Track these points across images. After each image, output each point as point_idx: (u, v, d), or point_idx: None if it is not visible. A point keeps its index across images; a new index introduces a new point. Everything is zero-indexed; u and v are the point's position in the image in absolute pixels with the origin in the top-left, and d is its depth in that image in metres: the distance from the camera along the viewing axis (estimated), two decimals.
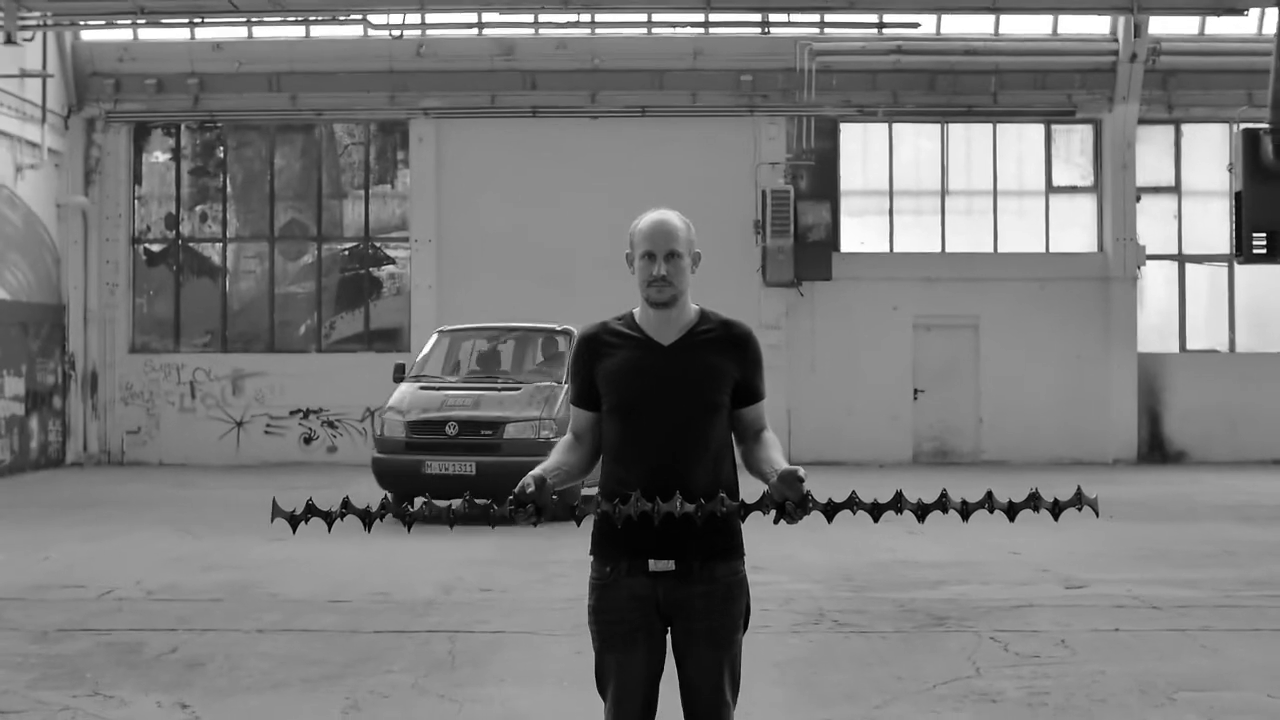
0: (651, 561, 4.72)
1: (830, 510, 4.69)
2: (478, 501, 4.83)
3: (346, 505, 4.72)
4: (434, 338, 19.48)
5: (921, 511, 4.82)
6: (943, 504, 4.78)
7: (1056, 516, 4.91)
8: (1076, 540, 15.14)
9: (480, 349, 19.45)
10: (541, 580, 12.39)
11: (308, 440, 26.32)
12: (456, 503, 4.85)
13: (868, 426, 26.14)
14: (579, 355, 4.91)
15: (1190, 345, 27.04)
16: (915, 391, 26.42)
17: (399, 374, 18.60)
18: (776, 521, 4.63)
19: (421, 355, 19.14)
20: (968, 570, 13.02)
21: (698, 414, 4.79)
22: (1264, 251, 18.67)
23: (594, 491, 4.86)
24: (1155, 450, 26.61)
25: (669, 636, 4.84)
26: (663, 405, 4.77)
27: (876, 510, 4.80)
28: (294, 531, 4.76)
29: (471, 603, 11.34)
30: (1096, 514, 4.86)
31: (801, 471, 4.56)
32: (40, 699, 8.06)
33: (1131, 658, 9.21)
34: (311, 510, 4.71)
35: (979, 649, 9.47)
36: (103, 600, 11.39)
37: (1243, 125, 19.78)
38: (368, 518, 4.81)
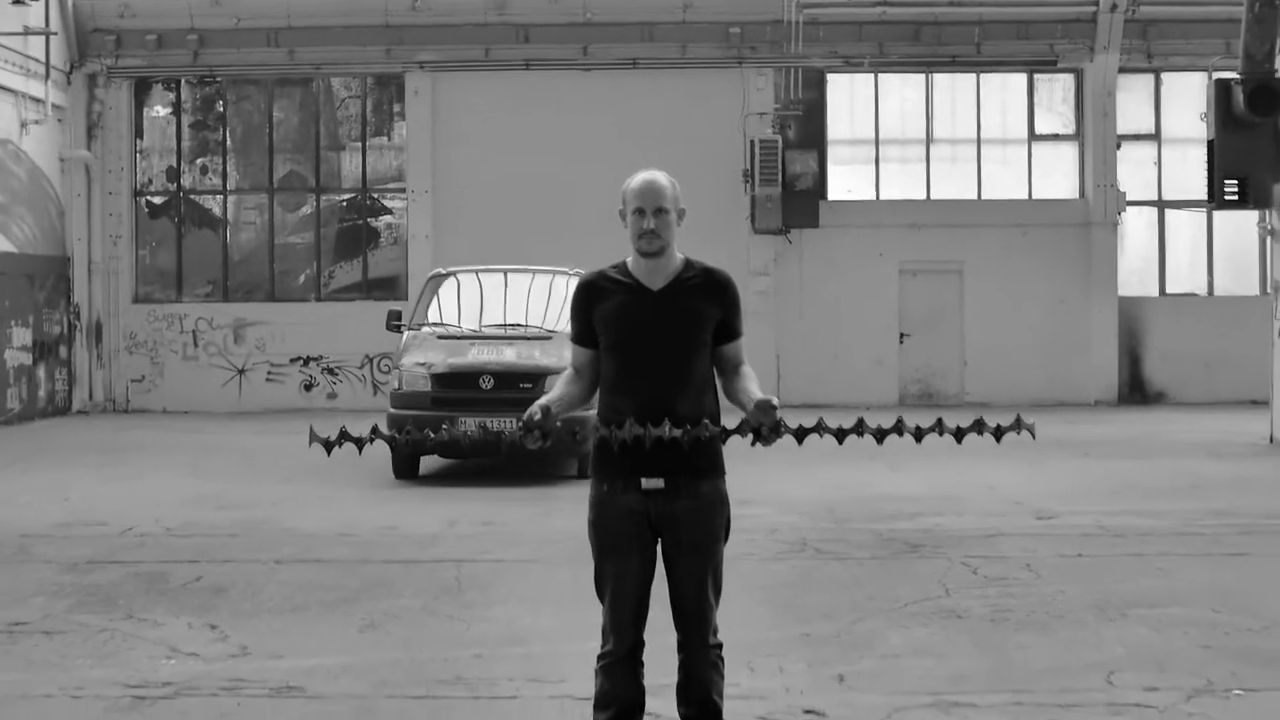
0: (643, 480, 5.39)
1: (800, 434, 5.39)
2: (490, 429, 5.49)
3: (375, 431, 5.34)
4: (437, 282, 17.92)
5: (880, 435, 5.51)
6: (899, 428, 5.47)
7: (999, 439, 5.55)
8: (1051, 476, 15.87)
9: (488, 295, 17.74)
10: (541, 515, 13.06)
11: (308, 387, 26.93)
12: (472, 428, 5.48)
13: (854, 370, 26.79)
14: (579, 299, 5.57)
15: (1170, 289, 27.66)
16: (901, 335, 27.06)
17: (395, 322, 17.48)
18: (754, 444, 5.31)
19: (419, 301, 17.83)
20: (944, 503, 13.68)
21: (683, 350, 5.46)
22: (1235, 198, 19.24)
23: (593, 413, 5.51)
24: (1135, 391, 27.29)
25: (659, 547, 5.52)
26: (653, 343, 5.43)
27: (841, 434, 5.50)
28: (329, 454, 5.36)
29: (474, 535, 12.02)
30: (1033, 436, 5.49)
31: (774, 400, 5.24)
32: (80, 622, 8.73)
33: (1091, 580, 9.89)
34: (344, 436, 5.33)
35: (949, 573, 10.15)
36: (125, 536, 12.05)
37: (1216, 75, 20.30)
38: (394, 442, 5.46)
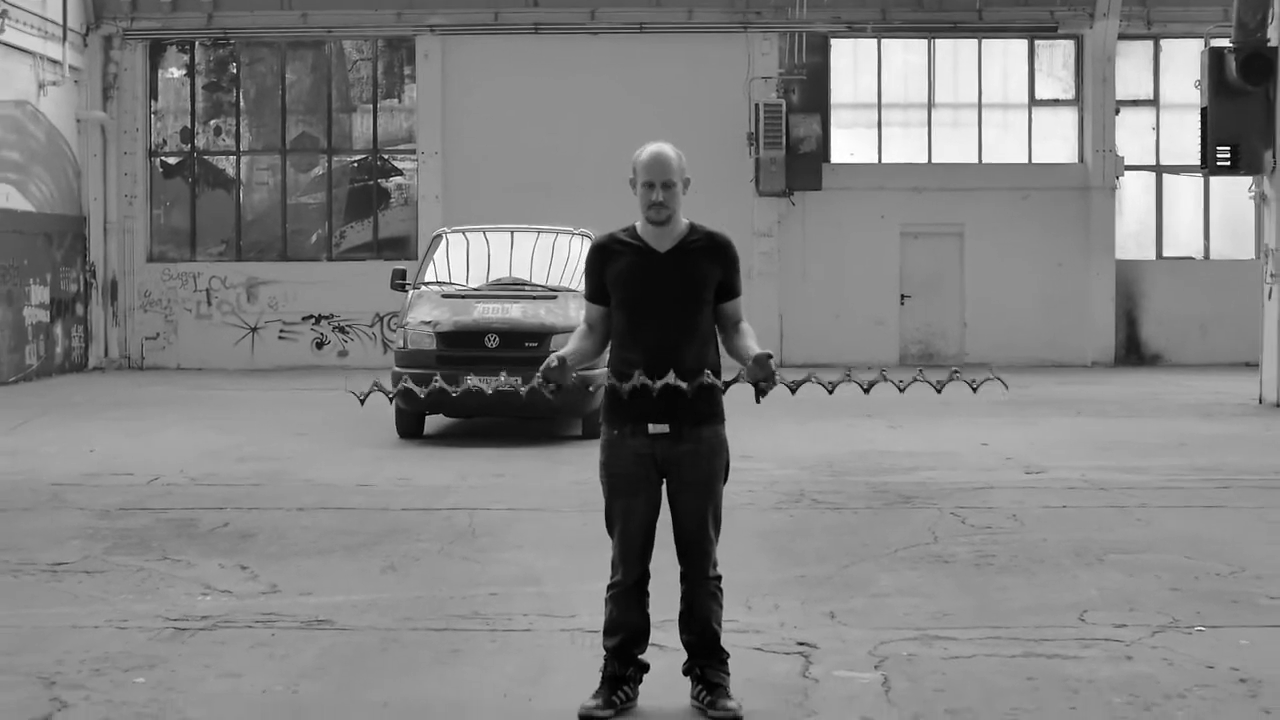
0: (650, 425, 5.94)
1: (794, 386, 5.94)
2: (505, 388, 6.05)
3: (402, 385, 5.94)
4: (443, 241, 17.97)
5: (867, 386, 6.06)
6: (883, 377, 6.02)
7: (975, 390, 6.09)
8: (1043, 433, 16.40)
9: (494, 254, 17.67)
10: (549, 466, 13.59)
11: (319, 345, 27.45)
12: (491, 387, 6.02)
13: (856, 330, 27.28)
14: (592, 260, 6.11)
15: (1166, 252, 28.16)
16: (902, 297, 27.55)
17: (399, 280, 17.28)
18: (758, 400, 5.87)
19: (425, 260, 17.82)
20: (938, 459, 14.20)
21: (687, 307, 6.01)
22: (1227, 163, 19.72)
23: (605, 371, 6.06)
24: (1131, 353, 27.79)
25: (664, 487, 6.06)
26: (659, 301, 5.98)
27: (832, 386, 6.06)
28: (361, 404, 5.92)
29: (486, 486, 12.55)
30: (1005, 386, 6.03)
31: (770, 354, 5.79)
32: (118, 562, 9.27)
33: (1073, 529, 10.42)
34: (376, 387, 5.92)
35: (939, 522, 10.68)
36: (152, 485, 12.59)
37: (1212, 42, 20.71)
38: (411, 395, 6.07)
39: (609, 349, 6.16)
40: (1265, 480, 12.81)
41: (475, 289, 16.87)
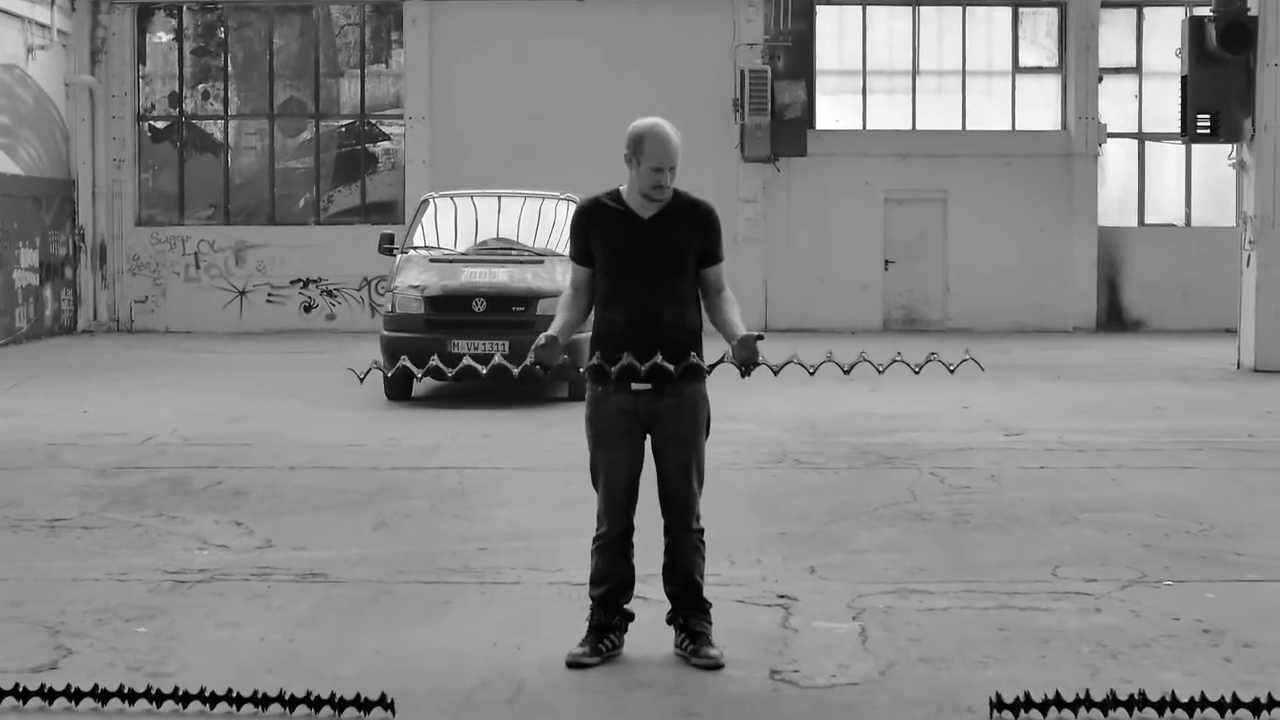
0: (633, 382, 6.14)
1: (777, 369, 6.17)
2: (499, 364, 6.30)
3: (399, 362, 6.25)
4: (430, 205, 18.23)
5: (848, 368, 6.29)
6: (863, 358, 6.27)
7: (951, 371, 6.37)
8: (1023, 397, 16.64)
9: (481, 219, 17.95)
10: (536, 428, 13.82)
11: (307, 309, 27.61)
12: (486, 368, 6.27)
13: (840, 295, 27.49)
14: (578, 222, 6.31)
15: (1148, 219, 28.39)
16: (886, 262, 27.75)
17: (387, 245, 17.41)
18: (743, 376, 6.15)
19: (413, 225, 17.99)
20: (920, 421, 14.44)
21: (669, 272, 6.24)
22: (1207, 131, 19.94)
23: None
24: (1113, 319, 28.04)
25: (647, 443, 6.29)
26: (642, 265, 6.20)
27: (813, 369, 6.30)
28: (361, 382, 6.21)
29: (474, 446, 12.77)
30: (981, 369, 6.31)
31: (755, 334, 6.01)
32: (115, 518, 9.49)
33: (1049, 488, 10.67)
34: (376, 366, 6.22)
35: (918, 482, 10.93)
36: (146, 445, 12.79)
37: (1193, 11, 20.90)
38: (409, 372, 6.35)
39: (594, 310, 6.37)
40: (1237, 442, 13.07)
41: (463, 254, 17.06)
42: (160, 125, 28.13)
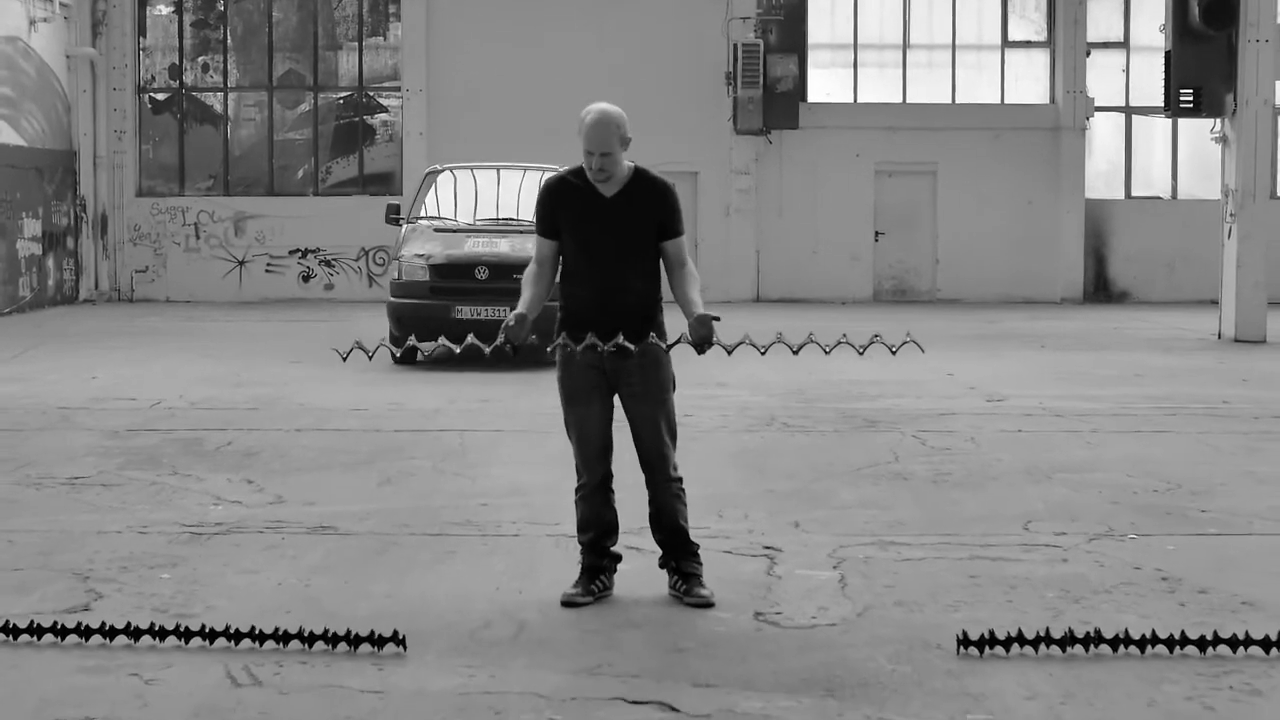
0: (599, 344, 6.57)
1: (730, 349, 6.57)
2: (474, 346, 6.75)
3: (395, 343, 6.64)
4: (434, 177, 18.86)
5: (797, 349, 6.68)
6: (810, 339, 6.67)
7: (894, 353, 6.82)
8: (1008, 365, 17.09)
9: (481, 189, 18.53)
10: (532, 393, 14.20)
11: (306, 278, 28.02)
12: (488, 348, 6.68)
13: (831, 266, 27.92)
14: (544, 198, 6.79)
15: (1135, 192, 28.82)
16: (876, 234, 28.18)
17: (393, 215, 18.33)
18: (699, 354, 6.59)
19: (418, 196, 18.64)
20: (905, 388, 14.86)
21: (629, 246, 6.71)
22: (1190, 105, 20.34)
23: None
24: (1100, 290, 28.49)
25: (616, 399, 6.73)
26: (604, 240, 6.69)
27: (764, 349, 6.69)
28: (344, 360, 6.71)
29: (473, 410, 13.21)
30: (921, 350, 6.77)
31: (713, 315, 6.46)
32: (131, 476, 9.92)
33: (1026, 450, 11.12)
34: (357, 345, 7.00)
35: (901, 444, 11.37)
36: (155, 409, 13.21)
37: None
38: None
39: (560, 282, 6.83)
40: (1211, 408, 13.52)
41: (466, 224, 17.74)
42: (160, 97, 28.50)
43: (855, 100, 28.43)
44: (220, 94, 28.49)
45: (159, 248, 28.13)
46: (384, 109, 28.41)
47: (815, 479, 9.95)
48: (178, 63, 28.42)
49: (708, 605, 6.65)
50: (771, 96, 26.97)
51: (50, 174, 26.50)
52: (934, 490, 9.60)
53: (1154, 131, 28.57)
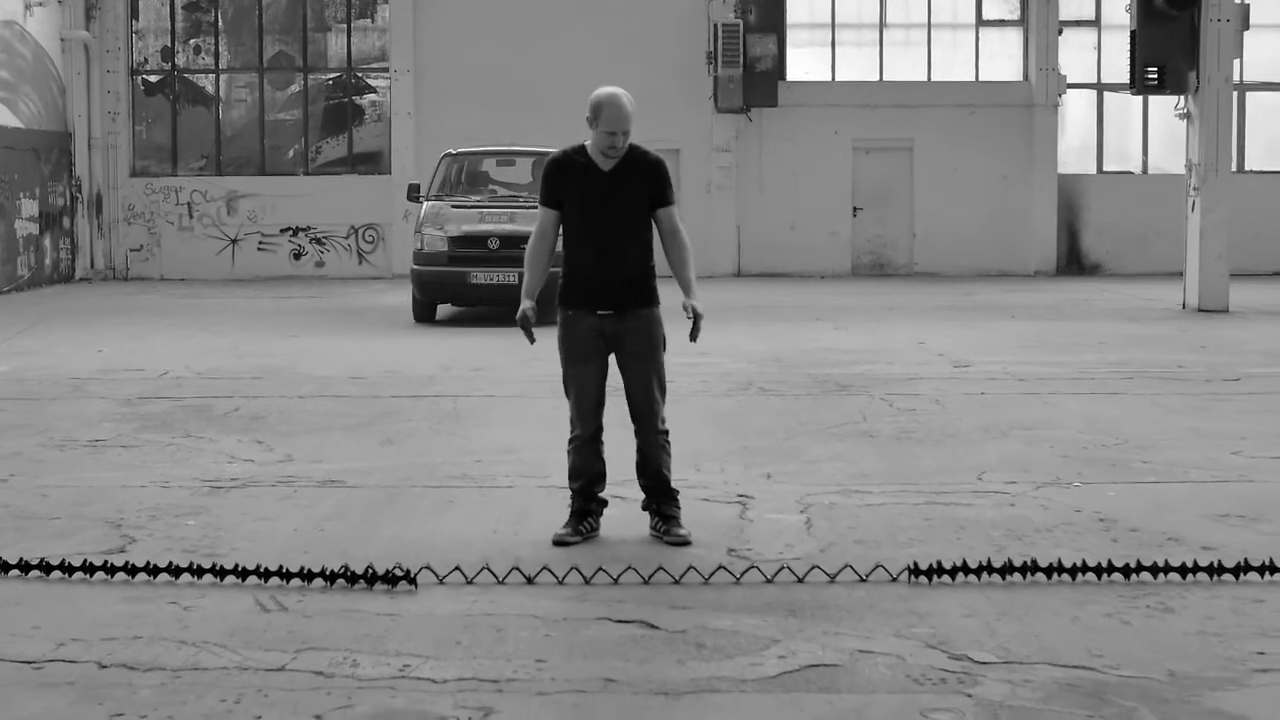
0: (599, 309, 7.29)
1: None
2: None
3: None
4: (451, 160, 20.93)
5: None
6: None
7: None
8: (977, 334, 17.80)
9: (490, 170, 21.46)
10: (523, 362, 14.84)
11: (297, 256, 28.68)
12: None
13: (810, 241, 28.62)
14: (550, 172, 7.48)
15: (1107, 167, 29.56)
16: (854, 209, 28.88)
17: (413, 193, 20.42)
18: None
19: (435, 176, 20.69)
20: (877, 355, 15.58)
21: (626, 216, 7.44)
22: (1155, 83, 21.05)
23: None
24: (1073, 263, 29.22)
25: (612, 359, 7.43)
26: (603, 211, 7.41)
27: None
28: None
29: (466, 377, 13.91)
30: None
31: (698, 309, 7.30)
32: (148, 439, 10.61)
33: (986, 410, 11.83)
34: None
35: (870, 405, 12.08)
36: (163, 379, 13.89)
37: None
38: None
39: (563, 249, 7.51)
40: (1166, 372, 14.24)
41: (479, 201, 20.10)
42: (153, 79, 29.11)
43: (833, 78, 29.11)
44: (212, 76, 29.11)
45: (153, 227, 28.75)
46: (372, 89, 29.03)
47: (788, 437, 10.65)
48: (170, 45, 29.02)
49: (685, 544, 7.35)
50: (751, 75, 27.64)
51: (46, 155, 27.09)
52: (897, 446, 10.30)
53: (1126, 107, 29.25)
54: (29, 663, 5.59)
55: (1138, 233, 28.96)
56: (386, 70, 28.73)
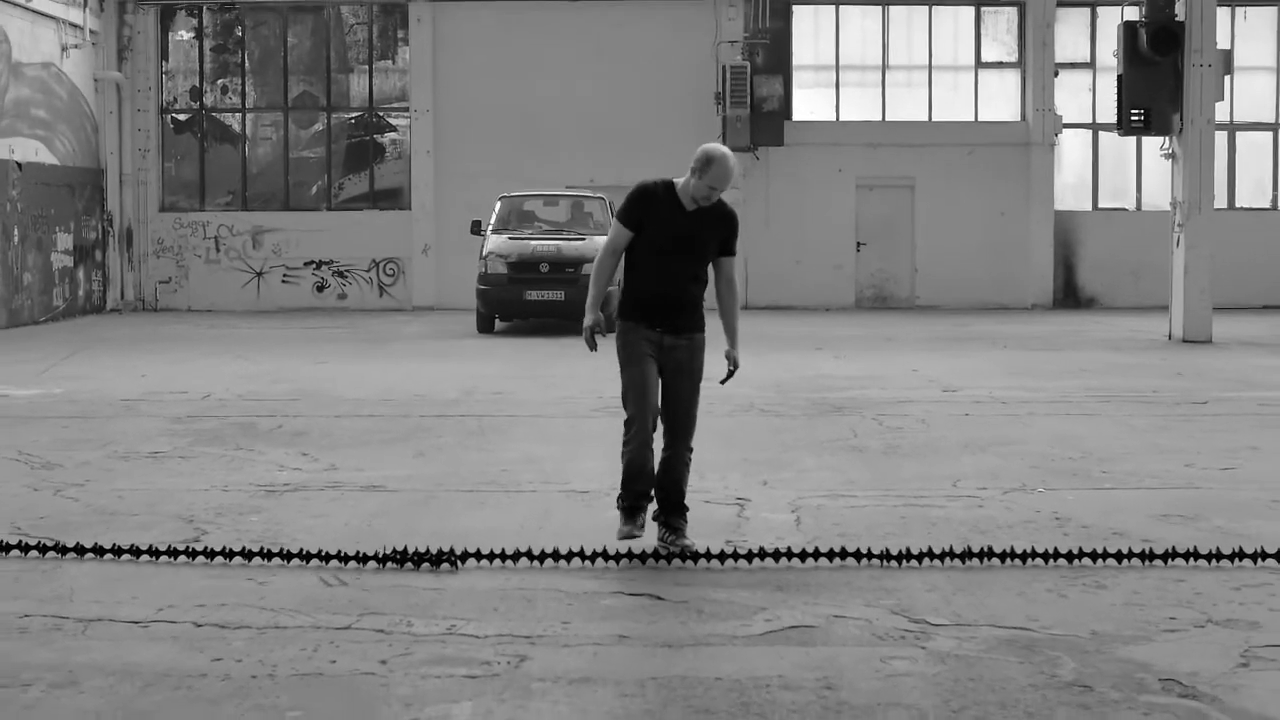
0: (657, 326, 8.15)
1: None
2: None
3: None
4: (508, 200, 24.84)
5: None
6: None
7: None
8: (968, 363, 18.83)
9: (538, 209, 25.22)
10: (541, 388, 16.00)
11: (320, 288, 29.83)
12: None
13: (815, 275, 29.74)
14: (639, 197, 8.12)
15: (1101, 204, 30.66)
16: (857, 244, 30.00)
17: (476, 228, 24.53)
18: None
19: (496, 213, 24.42)
20: (871, 381, 16.64)
21: (696, 256, 8.16)
22: (1140, 125, 22.14)
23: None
24: (1069, 296, 30.30)
25: (662, 377, 8.26)
26: (677, 246, 8.11)
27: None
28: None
29: (489, 400, 14.98)
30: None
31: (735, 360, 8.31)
32: (203, 451, 11.68)
33: (968, 429, 12.88)
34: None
35: (861, 424, 13.14)
36: (207, 400, 14.96)
37: (1126, 17, 23.09)
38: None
39: (625, 271, 8.23)
40: (1140, 396, 15.29)
41: (530, 233, 24.04)
42: (182, 117, 30.33)
43: (837, 118, 30.26)
44: (239, 114, 30.30)
45: (181, 260, 29.92)
46: (393, 128, 30.22)
47: (784, 451, 11.71)
48: (198, 85, 30.23)
49: (691, 553, 8.11)
50: (758, 115, 28.81)
51: (80, 191, 28.27)
52: (884, 459, 11.35)
53: (1120, 146, 30.33)
54: (136, 622, 6.65)
55: (1131, 267, 30.03)
56: (407, 110, 29.90)
